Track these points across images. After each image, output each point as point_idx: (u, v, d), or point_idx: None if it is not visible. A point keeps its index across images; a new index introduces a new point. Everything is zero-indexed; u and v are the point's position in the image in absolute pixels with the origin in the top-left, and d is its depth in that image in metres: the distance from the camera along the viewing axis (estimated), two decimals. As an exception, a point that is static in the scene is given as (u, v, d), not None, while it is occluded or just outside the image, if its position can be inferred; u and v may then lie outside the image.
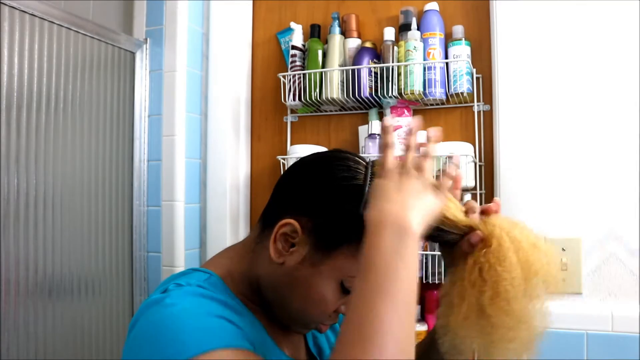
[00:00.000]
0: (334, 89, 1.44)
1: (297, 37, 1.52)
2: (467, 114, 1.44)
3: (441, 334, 0.72)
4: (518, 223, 0.74)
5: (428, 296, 1.40)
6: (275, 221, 0.71)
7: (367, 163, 0.72)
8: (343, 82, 1.44)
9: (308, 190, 0.71)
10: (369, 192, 0.66)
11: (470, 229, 0.71)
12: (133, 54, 1.53)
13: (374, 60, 1.44)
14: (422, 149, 0.68)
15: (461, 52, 1.37)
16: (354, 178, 0.69)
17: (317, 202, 0.70)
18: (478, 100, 1.42)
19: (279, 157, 1.50)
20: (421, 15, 1.43)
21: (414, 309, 0.57)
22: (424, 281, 1.34)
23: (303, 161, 0.76)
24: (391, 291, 0.56)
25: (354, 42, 1.49)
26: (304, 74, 1.48)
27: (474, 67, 1.40)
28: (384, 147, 0.68)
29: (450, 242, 0.72)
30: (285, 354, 0.76)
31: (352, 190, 0.68)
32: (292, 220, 0.70)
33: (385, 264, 0.58)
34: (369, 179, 0.68)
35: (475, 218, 0.72)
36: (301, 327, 0.77)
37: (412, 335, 0.56)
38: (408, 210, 0.61)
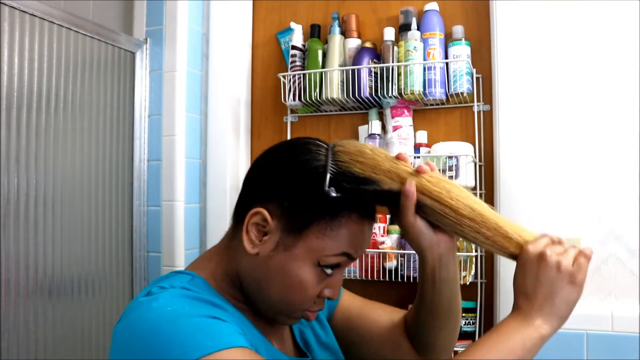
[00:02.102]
0: (334, 89, 1.44)
1: (297, 37, 1.52)
2: (467, 114, 1.44)
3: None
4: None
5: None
6: (245, 214, 0.72)
7: (327, 145, 0.74)
8: (343, 82, 1.44)
9: (272, 177, 0.73)
10: (333, 170, 0.70)
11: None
12: (133, 54, 1.53)
13: (374, 60, 1.44)
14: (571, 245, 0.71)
15: (461, 52, 1.37)
16: (316, 160, 0.71)
17: (282, 187, 0.71)
18: (478, 100, 1.42)
19: (279, 157, 1.50)
20: (421, 15, 1.43)
21: None
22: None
23: (266, 152, 0.78)
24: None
25: (354, 42, 1.49)
26: (304, 74, 1.48)
27: (474, 67, 1.40)
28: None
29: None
30: (275, 348, 0.77)
31: (315, 171, 0.70)
32: (260, 209, 0.71)
33: (510, 349, 0.64)
34: (330, 159, 0.70)
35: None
36: (287, 318, 0.76)
37: None
38: (557, 322, 0.66)
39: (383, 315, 0.91)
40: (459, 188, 0.71)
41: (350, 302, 0.93)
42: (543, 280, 0.66)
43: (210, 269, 0.76)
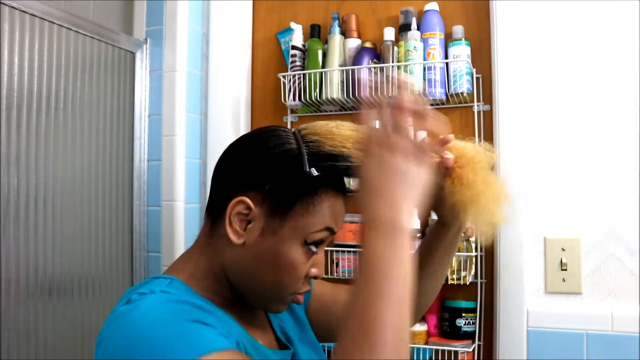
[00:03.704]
0: (334, 89, 1.44)
1: (297, 37, 1.52)
2: (467, 114, 1.44)
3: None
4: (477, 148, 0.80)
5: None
6: (223, 207, 0.73)
7: (294, 130, 0.77)
8: (343, 82, 1.44)
9: (248, 165, 0.74)
10: (307, 151, 0.72)
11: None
12: (133, 54, 1.53)
13: (374, 60, 1.44)
14: (392, 93, 0.69)
15: (461, 52, 1.37)
16: (287, 143, 0.74)
17: (260, 173, 0.73)
18: (478, 100, 1.42)
19: (279, 157, 1.50)
20: (421, 15, 1.43)
21: (410, 303, 0.60)
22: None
23: (233, 144, 0.80)
24: (389, 291, 0.58)
25: (354, 42, 1.49)
26: (304, 74, 1.48)
27: (474, 67, 1.40)
28: (363, 106, 0.69)
29: None
30: (260, 343, 0.77)
31: (291, 153, 0.72)
32: (242, 198, 0.72)
33: (381, 264, 0.60)
34: (301, 141, 0.74)
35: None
36: (279, 304, 0.78)
37: (408, 329, 0.59)
38: (398, 207, 0.62)
39: None
40: None
41: (322, 288, 0.96)
42: (371, 167, 0.65)
43: (189, 270, 0.76)
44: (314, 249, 0.74)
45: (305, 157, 0.72)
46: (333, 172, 0.73)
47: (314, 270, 0.76)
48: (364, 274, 0.60)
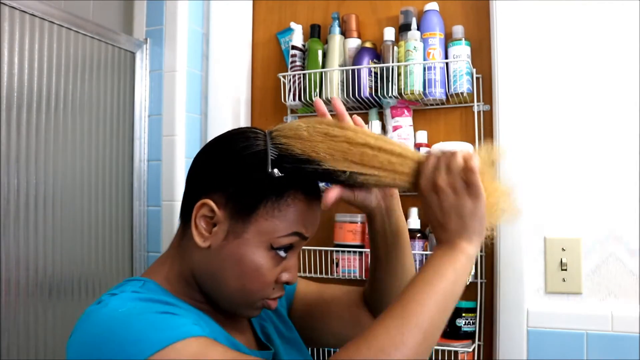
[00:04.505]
0: (334, 89, 1.44)
1: (297, 37, 1.52)
2: (467, 114, 1.44)
3: None
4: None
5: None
6: (191, 210, 0.72)
7: (264, 132, 0.75)
8: (343, 82, 1.44)
9: (213, 168, 0.73)
10: (274, 152, 0.72)
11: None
12: (133, 54, 1.53)
13: (374, 60, 1.44)
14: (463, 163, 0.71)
15: (461, 52, 1.37)
16: (254, 145, 0.72)
17: (224, 175, 0.72)
18: (478, 100, 1.42)
19: (279, 157, 1.50)
20: (421, 15, 1.43)
21: (448, 315, 0.67)
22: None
23: (204, 147, 0.78)
24: (439, 288, 0.65)
25: (354, 42, 1.49)
26: (304, 74, 1.48)
27: (474, 67, 1.40)
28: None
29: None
30: (238, 341, 0.76)
31: (256, 155, 0.71)
32: (205, 200, 0.71)
33: (444, 278, 0.66)
34: (269, 143, 0.72)
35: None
36: (248, 309, 0.76)
37: (440, 328, 0.65)
38: (476, 238, 0.69)
39: (340, 294, 0.93)
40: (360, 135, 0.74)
41: (306, 288, 0.95)
42: (447, 207, 0.69)
43: (163, 273, 0.76)
44: (282, 254, 0.72)
45: (270, 158, 0.70)
46: (299, 175, 0.71)
47: (285, 276, 0.74)
48: (421, 283, 0.66)
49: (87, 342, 0.62)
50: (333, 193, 0.72)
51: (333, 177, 0.72)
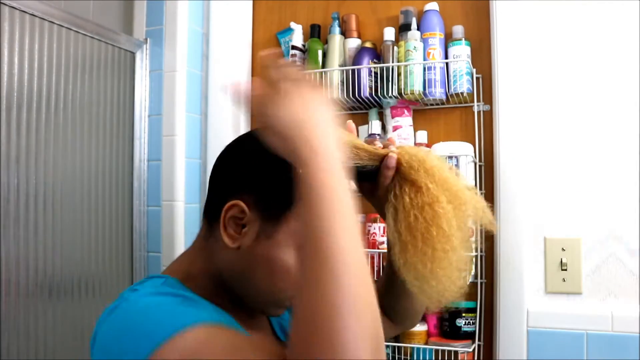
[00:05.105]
0: (334, 89, 1.44)
1: (297, 37, 1.52)
2: (467, 114, 1.44)
3: (405, 273, 0.76)
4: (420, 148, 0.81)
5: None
6: (219, 210, 0.72)
7: None
8: (343, 82, 1.44)
9: (242, 169, 0.73)
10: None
11: (382, 156, 0.77)
12: (133, 54, 1.53)
13: (374, 60, 1.44)
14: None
15: (461, 52, 1.37)
16: None
17: (254, 176, 0.72)
18: (478, 100, 1.42)
19: (279, 157, 1.50)
20: (421, 15, 1.43)
21: (356, 218, 0.58)
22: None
23: (229, 146, 0.78)
24: (339, 210, 0.57)
25: (354, 42, 1.49)
26: (304, 74, 1.47)
27: (474, 67, 1.40)
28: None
29: (369, 175, 0.77)
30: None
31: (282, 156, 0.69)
32: (236, 201, 0.71)
33: (325, 189, 0.58)
34: None
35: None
36: (276, 308, 0.77)
37: (360, 242, 0.57)
38: (323, 137, 0.62)
39: None
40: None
41: None
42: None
43: (186, 270, 0.76)
44: None
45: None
46: None
47: None
48: (310, 205, 0.57)
49: (111, 335, 0.62)
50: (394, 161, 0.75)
51: (362, 175, 0.74)
